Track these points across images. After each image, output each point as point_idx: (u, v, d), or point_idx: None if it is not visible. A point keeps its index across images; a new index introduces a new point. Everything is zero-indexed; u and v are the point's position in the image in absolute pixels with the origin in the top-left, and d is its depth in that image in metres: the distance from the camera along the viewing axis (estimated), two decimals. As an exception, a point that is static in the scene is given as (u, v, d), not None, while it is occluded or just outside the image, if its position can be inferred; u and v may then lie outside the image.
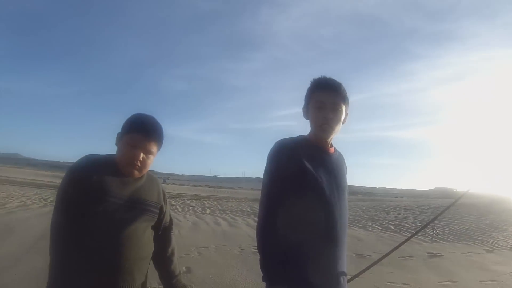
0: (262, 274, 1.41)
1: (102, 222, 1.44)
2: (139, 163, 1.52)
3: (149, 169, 1.64)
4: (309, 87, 1.58)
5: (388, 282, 4.86)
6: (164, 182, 50.27)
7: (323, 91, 1.53)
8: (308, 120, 1.58)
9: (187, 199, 18.57)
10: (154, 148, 1.58)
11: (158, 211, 1.65)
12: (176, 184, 44.87)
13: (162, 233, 1.73)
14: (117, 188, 1.49)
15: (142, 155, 1.52)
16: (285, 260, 1.38)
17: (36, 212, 9.41)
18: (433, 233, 2.76)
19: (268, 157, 1.51)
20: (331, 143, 1.62)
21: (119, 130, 1.60)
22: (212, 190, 31.05)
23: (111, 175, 1.50)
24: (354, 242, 7.27)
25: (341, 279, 1.47)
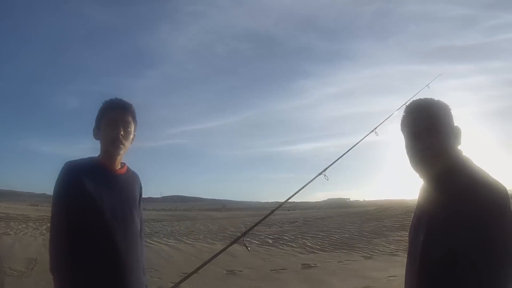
0: None
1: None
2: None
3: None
4: (100, 108, 1.64)
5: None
6: None
7: (114, 111, 1.61)
8: (99, 141, 1.63)
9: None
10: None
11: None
12: None
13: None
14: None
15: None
16: (75, 282, 1.41)
17: None
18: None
19: (57, 178, 1.52)
20: (124, 163, 1.68)
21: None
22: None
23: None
24: (227, 259, 7.15)
25: None
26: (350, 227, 13.74)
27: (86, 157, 1.62)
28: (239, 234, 3.03)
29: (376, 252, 8.71)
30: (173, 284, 2.40)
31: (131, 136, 1.64)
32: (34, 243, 9.53)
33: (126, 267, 1.50)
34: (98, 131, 1.63)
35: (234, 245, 2.71)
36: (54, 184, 1.51)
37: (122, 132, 1.57)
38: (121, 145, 1.57)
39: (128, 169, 1.70)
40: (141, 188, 1.74)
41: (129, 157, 1.71)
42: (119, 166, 1.65)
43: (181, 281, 2.38)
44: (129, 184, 1.66)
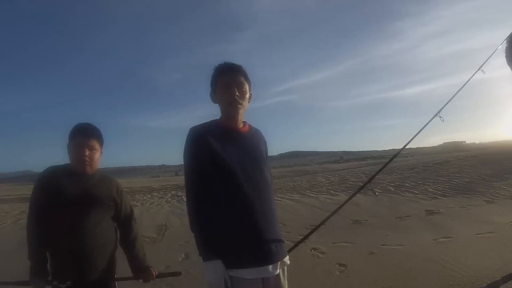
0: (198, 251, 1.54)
1: (62, 217, 1.85)
2: (87, 159, 1.92)
3: (102, 172, 2.06)
4: (212, 74, 1.70)
5: (382, 245, 4.97)
6: (177, 174, 52.62)
7: (226, 74, 1.66)
8: (217, 104, 1.71)
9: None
10: (96, 145, 1.98)
11: (112, 203, 2.01)
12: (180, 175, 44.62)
13: (123, 222, 2.08)
14: (72, 187, 1.89)
15: (87, 151, 1.92)
16: (215, 236, 1.52)
17: None
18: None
19: (185, 142, 1.62)
20: (245, 121, 1.74)
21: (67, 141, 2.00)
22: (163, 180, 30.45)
23: (68, 178, 1.91)
24: (351, 209, 7.24)
25: (273, 247, 1.56)
26: (469, 170, 13.02)
27: (207, 121, 1.69)
28: (361, 184, 2.96)
29: (498, 196, 8.15)
30: (302, 237, 2.43)
31: (247, 96, 1.69)
32: (162, 211, 10.09)
33: (262, 220, 1.56)
34: (214, 95, 1.71)
35: (358, 194, 2.70)
36: (182, 150, 1.62)
37: (237, 93, 1.62)
38: (239, 105, 1.63)
39: (251, 127, 1.76)
40: (265, 144, 1.79)
41: (250, 116, 1.75)
42: (241, 125, 1.71)
43: (309, 234, 2.40)
44: (254, 141, 1.72)
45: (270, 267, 1.54)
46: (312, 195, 11.32)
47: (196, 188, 1.57)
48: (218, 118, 1.71)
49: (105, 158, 2.11)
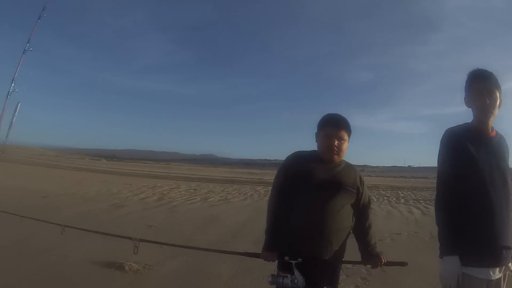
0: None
1: (308, 198, 1.93)
2: (335, 148, 1.98)
3: (346, 160, 2.10)
4: (466, 79, 1.83)
5: None
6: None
7: (479, 82, 1.77)
8: (470, 108, 1.82)
9: (382, 190, 19.04)
10: (345, 135, 2.03)
11: (355, 191, 2.04)
12: (371, 176, 44.90)
13: (361, 210, 2.11)
14: (319, 173, 1.97)
15: (336, 141, 1.98)
16: (457, 232, 1.63)
17: (237, 205, 10.85)
18: None
19: (440, 143, 1.79)
20: (492, 127, 1.82)
21: (311, 130, 2.14)
22: (407, 181, 29.95)
23: (315, 164, 2.00)
24: None
25: (504, 252, 1.66)
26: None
27: (460, 123, 1.84)
28: None
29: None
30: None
31: (497, 103, 1.78)
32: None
33: (501, 225, 1.66)
34: (468, 100, 1.83)
35: None
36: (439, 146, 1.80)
37: (488, 101, 1.74)
38: (490, 114, 1.76)
39: (497, 132, 1.85)
40: (508, 149, 1.87)
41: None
42: (490, 130, 1.81)
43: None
44: (500, 146, 1.82)
45: (497, 269, 1.65)
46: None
47: (449, 188, 1.70)
48: (470, 122, 1.83)
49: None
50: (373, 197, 14.27)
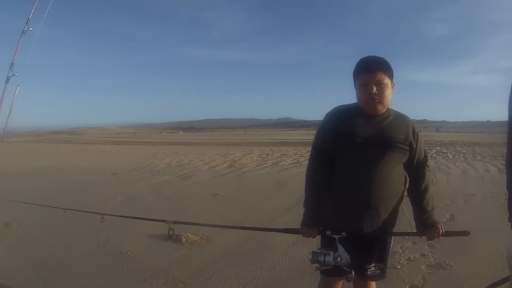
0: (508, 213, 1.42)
1: (350, 162, 1.67)
2: (375, 96, 1.65)
3: (396, 110, 1.78)
4: None
5: None
6: (437, 130, 51.85)
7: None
8: None
9: (459, 146, 18.19)
10: (384, 78, 1.67)
11: (407, 147, 1.71)
12: (449, 132, 43.37)
13: (416, 169, 1.78)
14: (362, 128, 1.67)
15: (375, 88, 1.64)
16: None
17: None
18: None
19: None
20: None
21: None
22: (485, 136, 27.74)
23: (357, 118, 1.70)
24: None
25: None
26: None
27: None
28: None
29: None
30: None
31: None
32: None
33: None
34: None
35: None
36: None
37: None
38: None
39: None
40: None
41: None
42: None
43: None
44: None
45: None
46: None
47: None
48: None
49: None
50: (448, 155, 13.92)
